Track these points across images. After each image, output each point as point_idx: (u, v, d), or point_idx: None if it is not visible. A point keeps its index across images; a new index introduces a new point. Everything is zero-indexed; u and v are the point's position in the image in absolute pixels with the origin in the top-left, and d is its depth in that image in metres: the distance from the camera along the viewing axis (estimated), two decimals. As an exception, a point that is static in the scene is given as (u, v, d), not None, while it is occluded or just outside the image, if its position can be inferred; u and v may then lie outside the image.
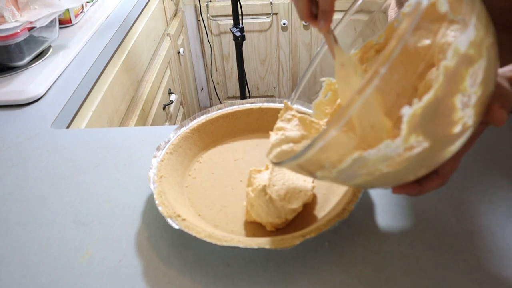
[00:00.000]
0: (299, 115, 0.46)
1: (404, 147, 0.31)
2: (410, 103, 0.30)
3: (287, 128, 0.45)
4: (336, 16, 0.40)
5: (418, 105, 0.30)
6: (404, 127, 0.30)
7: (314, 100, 0.49)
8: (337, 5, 0.46)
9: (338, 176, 0.35)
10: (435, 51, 0.36)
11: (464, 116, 0.31)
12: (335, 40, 0.44)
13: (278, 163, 0.37)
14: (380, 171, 0.33)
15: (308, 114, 0.48)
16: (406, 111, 0.30)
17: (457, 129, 0.31)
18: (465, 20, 0.31)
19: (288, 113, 0.46)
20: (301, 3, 0.43)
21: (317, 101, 0.49)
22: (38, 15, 0.81)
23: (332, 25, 0.44)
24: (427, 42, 0.38)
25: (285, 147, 0.42)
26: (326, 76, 0.48)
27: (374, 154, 0.32)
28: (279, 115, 0.46)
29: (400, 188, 0.38)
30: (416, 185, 0.38)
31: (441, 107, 0.31)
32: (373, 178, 0.34)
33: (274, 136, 0.44)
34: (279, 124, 0.45)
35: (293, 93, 0.49)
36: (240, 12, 1.39)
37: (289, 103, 0.47)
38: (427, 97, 0.30)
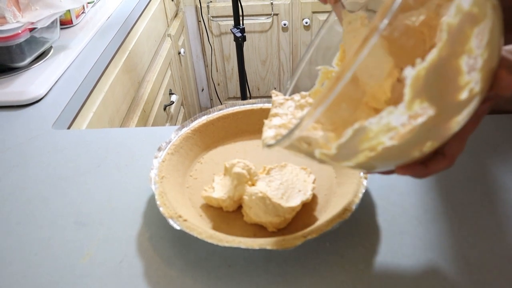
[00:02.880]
0: (289, 97, 0.45)
1: (408, 114, 0.29)
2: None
3: (281, 112, 0.44)
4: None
5: (422, 66, 0.28)
6: (407, 91, 0.28)
7: (311, 90, 0.47)
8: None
9: (338, 153, 0.32)
10: (435, 30, 0.35)
11: (470, 80, 0.29)
12: (343, 6, 0.44)
13: (271, 144, 0.35)
14: (383, 144, 0.31)
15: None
16: (409, 73, 0.28)
17: (463, 95, 0.29)
18: None
19: (279, 98, 0.45)
20: None
21: (313, 90, 0.47)
22: (39, 16, 0.81)
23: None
24: (422, 18, 0.37)
25: (278, 130, 0.41)
26: (321, 64, 0.47)
27: (376, 123, 0.30)
28: (272, 102, 0.45)
29: (405, 169, 0.35)
30: (421, 166, 0.35)
31: (446, 69, 0.29)
32: (376, 154, 0.32)
33: (267, 122, 0.43)
34: (273, 110, 0.44)
35: (288, 81, 0.48)
36: (240, 13, 1.39)
37: (287, 95, 0.46)
38: (431, 57, 0.28)
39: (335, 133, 0.33)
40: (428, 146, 0.33)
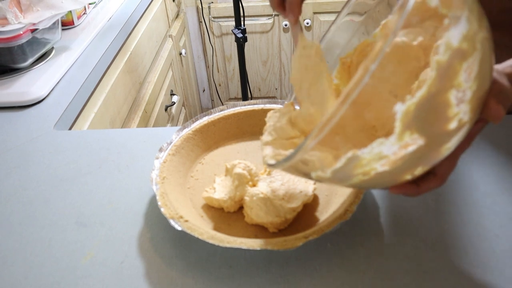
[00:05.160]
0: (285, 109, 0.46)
1: (399, 144, 0.30)
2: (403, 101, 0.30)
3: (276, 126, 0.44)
4: (330, 18, 0.40)
5: (411, 101, 0.29)
6: (397, 124, 0.30)
7: None
8: (332, 7, 0.47)
9: (333, 177, 0.34)
10: (430, 51, 0.36)
11: (459, 112, 0.30)
12: (301, 29, 0.45)
13: (271, 165, 0.36)
14: (376, 170, 0.32)
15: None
16: (399, 108, 0.30)
17: (452, 125, 0.31)
18: (457, 14, 0.30)
19: (275, 115, 0.46)
20: None
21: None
22: (40, 17, 0.81)
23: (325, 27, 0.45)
24: (421, 39, 0.38)
25: (277, 148, 0.42)
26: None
27: (368, 152, 0.31)
28: (266, 118, 0.46)
29: (397, 188, 0.37)
30: (413, 186, 0.37)
31: (435, 103, 0.30)
32: (369, 178, 0.33)
33: (264, 137, 0.44)
34: (268, 123, 0.45)
35: (289, 94, 0.49)
36: (242, 14, 1.39)
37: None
38: (420, 93, 0.29)
39: (333, 155, 0.35)
40: (419, 170, 0.34)
